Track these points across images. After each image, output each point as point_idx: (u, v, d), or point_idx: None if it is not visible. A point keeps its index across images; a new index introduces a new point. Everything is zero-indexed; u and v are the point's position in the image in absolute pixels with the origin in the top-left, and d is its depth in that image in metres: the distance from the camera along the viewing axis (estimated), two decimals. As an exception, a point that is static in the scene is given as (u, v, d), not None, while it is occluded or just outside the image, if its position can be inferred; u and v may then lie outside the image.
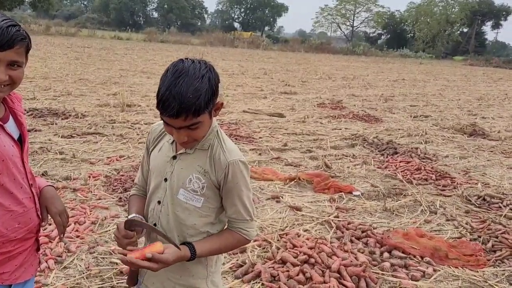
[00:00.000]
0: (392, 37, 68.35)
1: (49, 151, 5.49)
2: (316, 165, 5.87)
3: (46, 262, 3.01)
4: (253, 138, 7.02)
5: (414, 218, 4.37)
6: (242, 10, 79.20)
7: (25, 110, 7.38)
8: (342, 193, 4.88)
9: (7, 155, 1.40)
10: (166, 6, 72.56)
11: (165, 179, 1.55)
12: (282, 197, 4.64)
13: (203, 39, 44.99)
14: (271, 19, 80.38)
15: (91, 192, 4.34)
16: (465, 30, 66.62)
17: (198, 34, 55.96)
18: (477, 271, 3.42)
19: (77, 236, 3.44)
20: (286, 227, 3.94)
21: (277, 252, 3.34)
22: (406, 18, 68.01)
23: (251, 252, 3.40)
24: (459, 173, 6.02)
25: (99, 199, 4.21)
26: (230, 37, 47.69)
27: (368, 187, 5.19)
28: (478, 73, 31.96)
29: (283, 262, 3.22)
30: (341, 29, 76.53)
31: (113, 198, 4.26)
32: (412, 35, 67.08)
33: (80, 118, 7.42)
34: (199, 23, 77.16)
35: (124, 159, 5.49)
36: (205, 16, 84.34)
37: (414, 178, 5.53)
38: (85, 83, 11.37)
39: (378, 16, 70.46)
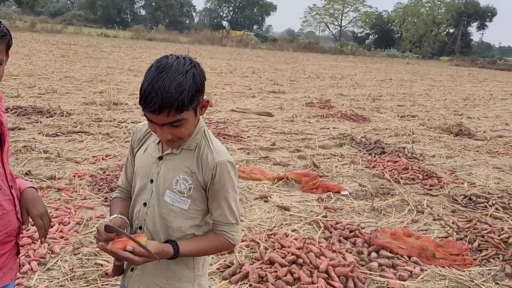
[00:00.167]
0: (380, 37, 68.87)
1: (33, 150, 5.39)
2: (304, 165, 5.86)
3: (29, 263, 2.94)
4: (241, 137, 6.99)
5: (401, 218, 4.39)
6: (231, 8, 79.00)
7: (9, 108, 7.26)
8: (330, 192, 4.88)
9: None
10: (153, 3, 72.04)
11: (151, 181, 1.51)
12: (270, 197, 4.62)
13: (192, 37, 44.77)
14: (260, 18, 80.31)
15: (76, 192, 4.26)
16: (451, 31, 67.44)
17: (186, 32, 55.62)
18: (464, 271, 3.44)
19: (61, 237, 3.37)
20: (274, 227, 3.92)
21: (265, 253, 3.32)
22: (394, 19, 68.58)
23: (238, 252, 3.37)
24: (445, 173, 6.06)
25: (84, 199, 4.14)
26: (218, 36, 47.53)
27: (356, 187, 5.20)
28: (464, 73, 32.36)
29: (271, 262, 3.20)
30: (329, 29, 76.93)
31: (98, 198, 4.19)
32: (399, 35, 67.67)
33: (66, 116, 7.30)
34: (187, 21, 76.73)
35: (110, 158, 5.42)
36: (194, 14, 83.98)
37: (401, 178, 5.55)
38: (71, 81, 11.21)
39: (366, 16, 70.93)
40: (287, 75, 18.29)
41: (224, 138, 6.75)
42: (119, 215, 1.53)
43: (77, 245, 3.28)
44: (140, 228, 1.54)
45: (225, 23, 78.16)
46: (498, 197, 5.06)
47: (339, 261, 3.23)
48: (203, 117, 1.51)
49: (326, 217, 4.21)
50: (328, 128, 8.30)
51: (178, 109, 1.31)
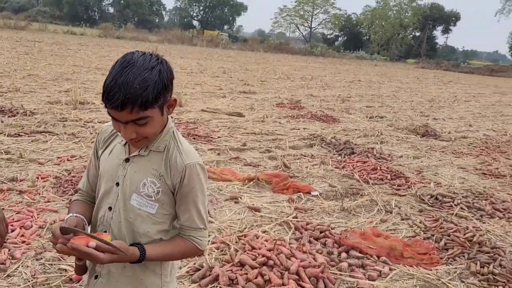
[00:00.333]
0: (349, 39, 69.94)
1: (-7, 150, 5.16)
2: (275, 165, 5.86)
3: (-12, 270, 2.80)
4: (211, 137, 6.92)
5: (370, 218, 4.44)
6: (201, 8, 78.44)
7: (-32, 106, 6.93)
8: (301, 193, 4.89)
9: None
10: (122, 1, 70.67)
11: (117, 184, 1.45)
12: (240, 198, 4.58)
13: (161, 36, 44.14)
14: (231, 18, 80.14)
15: (39, 194, 4.10)
16: (417, 34, 69.28)
17: (156, 31, 54.80)
18: (431, 270, 3.50)
19: (23, 242, 3.23)
20: (245, 228, 3.89)
21: (236, 255, 3.28)
22: (362, 21, 69.78)
23: (208, 255, 3.32)
24: (413, 173, 6.19)
25: (48, 201, 3.99)
26: (189, 35, 47.10)
27: (326, 187, 5.23)
28: (429, 75, 33.26)
29: (242, 264, 3.16)
30: (299, 30, 77.46)
31: (63, 200, 4.04)
32: (367, 37, 68.95)
33: (29, 115, 7.04)
34: (157, 20, 75.64)
35: (75, 159, 5.25)
36: (163, 13, 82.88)
37: (370, 178, 5.63)
38: (35, 79, 10.83)
39: (335, 18, 71.84)
40: (257, 75, 18.30)
41: (194, 138, 6.66)
42: (74, 214, 1.43)
43: (40, 249, 3.15)
44: (105, 232, 1.47)
45: (195, 23, 77.61)
46: (463, 197, 5.20)
47: (310, 262, 3.23)
48: (172, 118, 1.45)
49: (296, 217, 4.21)
50: (299, 129, 8.34)
51: (142, 105, 1.25)
